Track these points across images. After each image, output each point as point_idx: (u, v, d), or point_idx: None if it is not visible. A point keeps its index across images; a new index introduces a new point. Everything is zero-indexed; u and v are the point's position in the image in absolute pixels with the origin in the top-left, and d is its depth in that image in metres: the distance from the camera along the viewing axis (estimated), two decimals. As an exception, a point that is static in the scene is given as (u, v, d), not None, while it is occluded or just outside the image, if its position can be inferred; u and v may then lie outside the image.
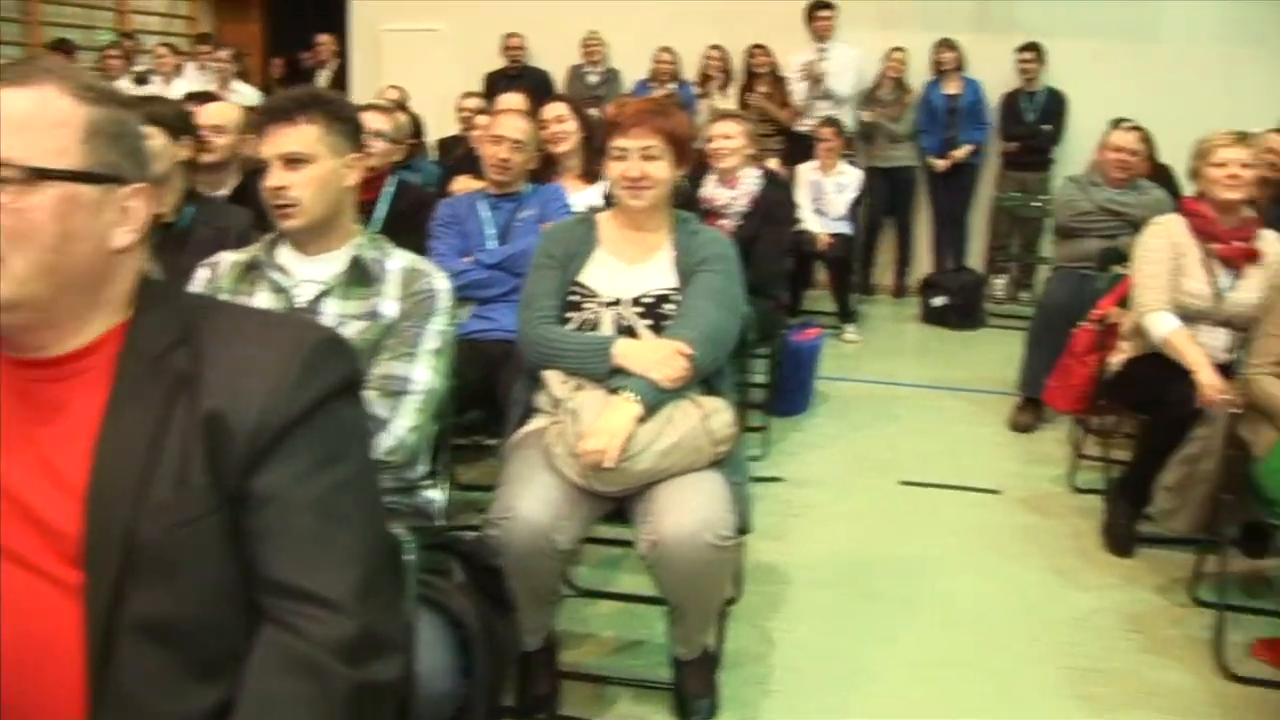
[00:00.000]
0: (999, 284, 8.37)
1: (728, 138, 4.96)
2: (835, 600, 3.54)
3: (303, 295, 2.42)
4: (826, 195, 7.35)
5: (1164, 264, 3.85)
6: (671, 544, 2.48)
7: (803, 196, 7.32)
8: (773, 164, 7.20)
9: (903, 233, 8.66)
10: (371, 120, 4.12)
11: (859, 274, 7.93)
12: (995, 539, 4.08)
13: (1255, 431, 3.24)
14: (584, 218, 2.98)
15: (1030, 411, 5.32)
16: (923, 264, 8.67)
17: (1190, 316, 3.82)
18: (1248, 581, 3.82)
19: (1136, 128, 6.59)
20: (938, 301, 7.76)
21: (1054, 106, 8.27)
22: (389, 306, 2.41)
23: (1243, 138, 4.03)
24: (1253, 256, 3.85)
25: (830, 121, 7.61)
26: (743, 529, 2.69)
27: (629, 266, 2.85)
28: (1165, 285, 3.83)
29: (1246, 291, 3.74)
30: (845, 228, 7.35)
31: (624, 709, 2.91)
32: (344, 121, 2.47)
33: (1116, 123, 5.74)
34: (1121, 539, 3.95)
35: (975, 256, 8.63)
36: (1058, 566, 3.85)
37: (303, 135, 2.39)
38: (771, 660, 3.17)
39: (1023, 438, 5.27)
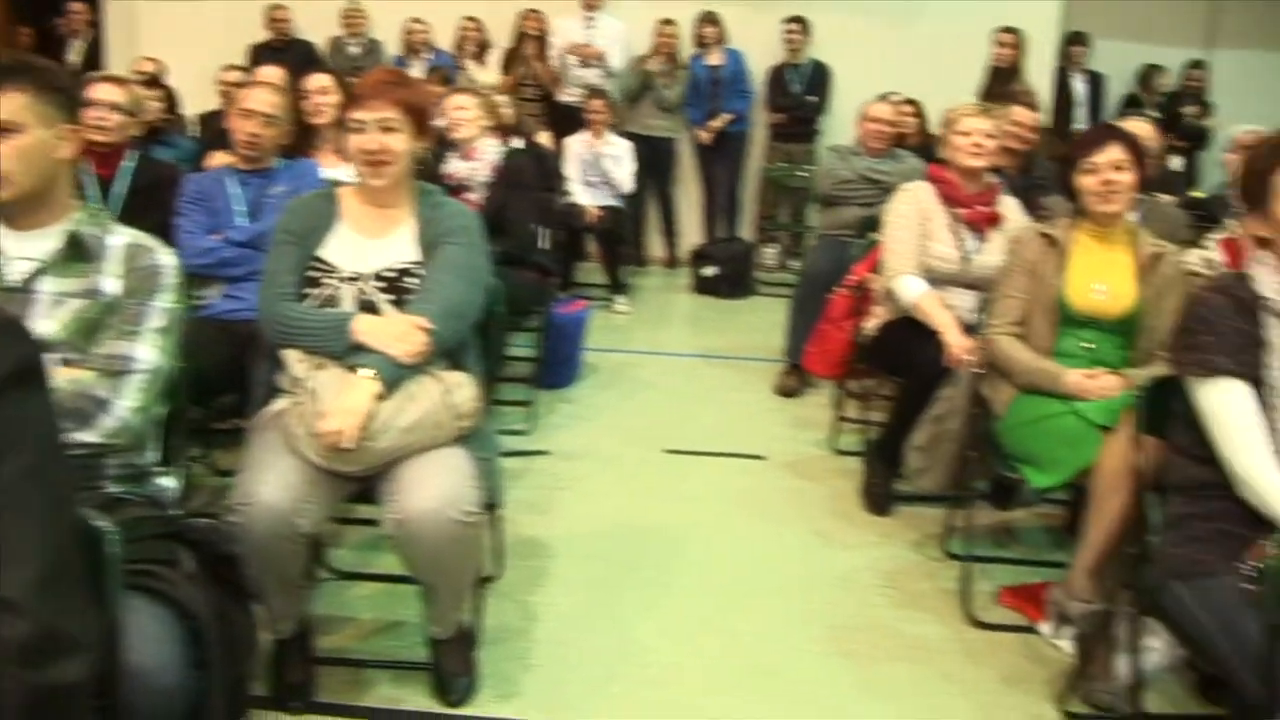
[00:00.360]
0: (769, 253, 8.53)
1: (462, 109, 4.89)
2: (600, 572, 3.53)
3: (14, 273, 2.24)
4: (602, 167, 7.35)
5: (912, 229, 3.97)
6: (416, 522, 2.44)
7: (571, 169, 7.30)
8: (543, 137, 7.14)
9: (665, 203, 8.70)
10: (104, 92, 3.90)
11: (632, 245, 7.97)
12: (759, 504, 4.14)
13: (995, 390, 3.36)
14: (325, 192, 2.89)
15: (796, 377, 5.43)
16: (695, 235, 8.74)
17: (939, 280, 3.94)
18: (997, 533, 4.00)
19: (910, 101, 6.82)
20: (708, 272, 7.85)
21: (819, 78, 8.45)
22: (110, 284, 2.27)
23: (987, 110, 4.18)
24: (995, 221, 4.00)
25: (597, 93, 7.60)
26: (491, 504, 2.64)
27: (370, 241, 2.76)
28: (913, 250, 3.94)
29: (990, 254, 3.88)
30: (614, 200, 7.36)
31: (383, 692, 2.83)
32: (56, 91, 2.29)
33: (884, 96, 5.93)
34: (879, 499, 4.07)
35: (746, 227, 8.77)
36: (819, 528, 3.94)
37: (9, 103, 2.21)
38: (534, 635, 3.13)
39: (789, 403, 5.38)
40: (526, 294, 4.84)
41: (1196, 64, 9.36)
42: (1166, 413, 2.56)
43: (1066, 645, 3.07)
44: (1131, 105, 8.96)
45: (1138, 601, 2.56)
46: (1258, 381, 2.37)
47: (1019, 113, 5.25)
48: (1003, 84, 7.67)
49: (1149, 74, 9.30)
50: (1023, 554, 3.80)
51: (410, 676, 2.87)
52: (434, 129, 5.00)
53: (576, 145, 7.42)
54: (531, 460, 4.43)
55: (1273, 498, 2.27)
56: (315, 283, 2.71)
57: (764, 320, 6.72)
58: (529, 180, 5.00)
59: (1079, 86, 8.98)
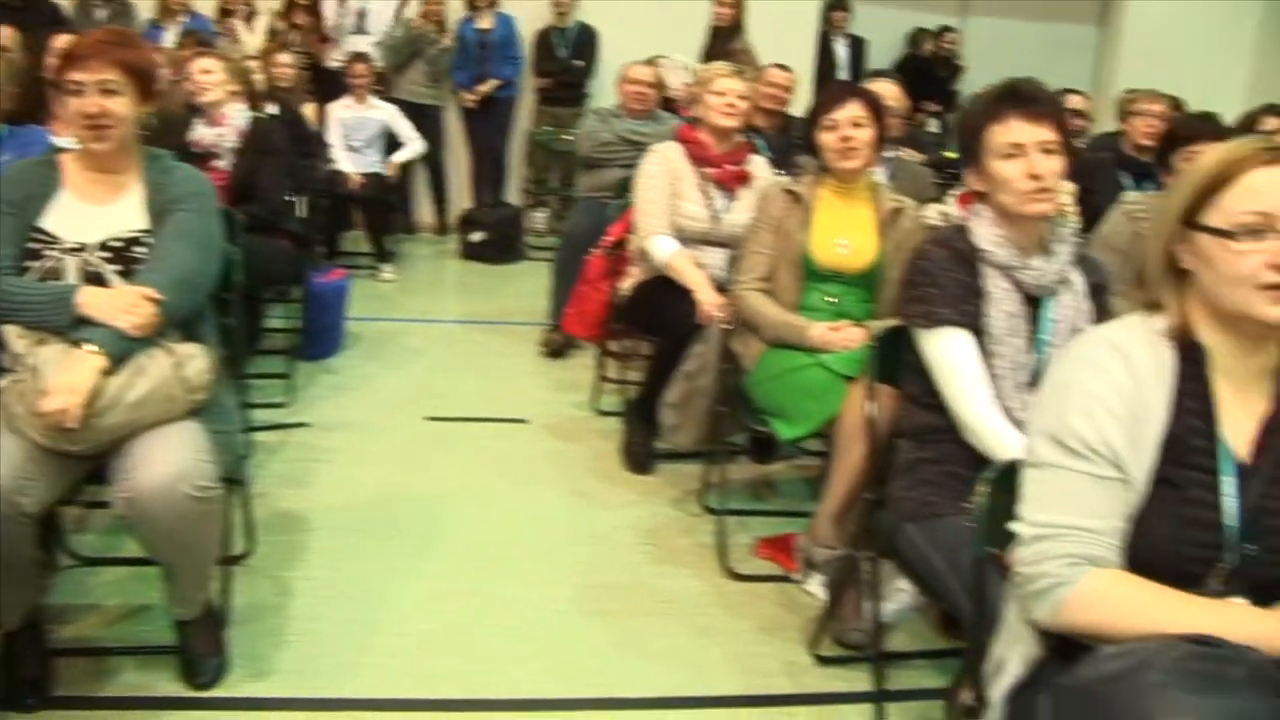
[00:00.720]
0: (538, 218, 8.50)
1: (207, 73, 4.68)
2: (357, 544, 3.43)
3: None
4: (365, 132, 7.19)
5: (662, 190, 3.99)
6: (147, 499, 2.32)
7: (334, 136, 7.10)
8: (309, 108, 6.91)
9: (434, 170, 8.54)
10: None
11: (401, 212, 7.80)
12: (520, 468, 4.11)
13: (745, 345, 3.41)
14: (45, 158, 2.71)
15: (559, 340, 5.41)
16: (465, 201, 8.62)
17: (690, 239, 3.98)
18: (756, 487, 4.08)
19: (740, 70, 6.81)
20: (476, 237, 7.76)
21: (585, 42, 8.41)
22: None
23: (740, 71, 4.23)
24: (745, 179, 4.06)
25: (361, 57, 7.40)
26: (232, 479, 2.53)
27: (95, 209, 2.61)
28: (664, 210, 3.96)
29: (740, 213, 3.93)
30: (378, 167, 7.20)
31: (128, 679, 2.68)
32: None
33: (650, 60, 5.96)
34: (639, 457, 4.09)
35: (514, 192, 8.69)
36: (579, 489, 3.93)
37: None
38: (289, 611, 3.03)
39: (554, 366, 5.37)
40: (280, 263, 4.67)
41: (948, 29, 9.73)
42: (899, 362, 2.64)
43: (818, 591, 3.14)
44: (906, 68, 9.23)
45: (876, 545, 2.65)
46: (978, 330, 2.47)
47: (773, 73, 5.35)
48: (723, 43, 7.73)
49: (918, 37, 9.64)
50: (780, 506, 3.89)
51: (156, 661, 2.73)
52: (179, 93, 4.81)
53: (339, 111, 7.21)
54: (290, 433, 4.28)
55: (992, 440, 2.37)
56: (36, 255, 2.54)
57: (532, 285, 6.68)
58: (279, 146, 4.81)
59: (840, 50, 9.22)
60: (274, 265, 4.54)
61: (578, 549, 3.49)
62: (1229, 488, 1.65)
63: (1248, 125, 4.82)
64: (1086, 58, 10.11)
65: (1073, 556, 1.60)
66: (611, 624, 3.07)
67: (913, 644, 3.00)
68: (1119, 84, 7.93)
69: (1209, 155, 1.71)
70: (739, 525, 3.65)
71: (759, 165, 4.17)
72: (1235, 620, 1.54)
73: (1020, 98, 2.51)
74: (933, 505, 2.38)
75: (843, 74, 9.00)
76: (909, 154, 4.83)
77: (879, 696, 2.67)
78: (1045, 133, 2.47)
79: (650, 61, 6.05)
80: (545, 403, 4.81)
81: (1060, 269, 2.52)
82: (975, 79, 9.07)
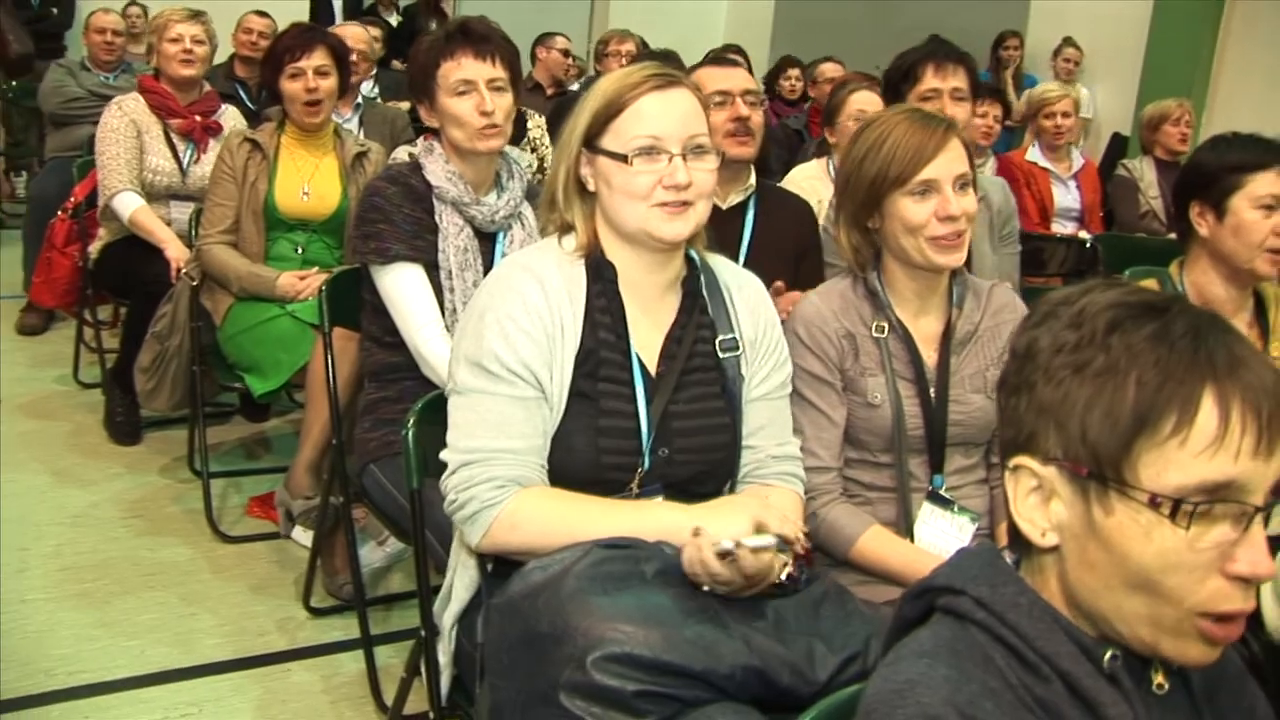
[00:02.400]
0: (20, 183, 7.79)
1: None
2: None
3: None
4: None
5: (125, 144, 3.77)
6: None
7: None
8: None
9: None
10: None
11: None
12: (-10, 453, 3.79)
13: (214, 300, 3.30)
14: None
15: (38, 312, 5.01)
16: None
17: (159, 193, 3.80)
18: (250, 446, 3.97)
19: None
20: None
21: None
22: None
23: (198, 15, 4.03)
24: (215, 130, 3.91)
25: None
26: None
27: None
28: (128, 165, 3.76)
29: (209, 165, 3.77)
30: None
31: None
32: None
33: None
34: (123, 428, 3.88)
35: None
36: (57, 468, 3.68)
37: None
38: None
39: (33, 341, 4.97)
40: None
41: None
42: (360, 302, 2.64)
43: (305, 542, 3.12)
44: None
45: (345, 489, 2.65)
46: (432, 264, 2.51)
47: (252, 20, 5.20)
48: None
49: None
50: (274, 463, 3.80)
51: None
52: None
53: None
54: None
55: (445, 373, 2.42)
56: None
57: (11, 255, 6.14)
58: None
59: (336, 1, 9.06)
60: None
61: (54, 531, 3.26)
62: (640, 397, 1.77)
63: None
64: (581, 3, 10.49)
65: (498, 480, 1.66)
66: (93, 605, 2.91)
67: (409, 585, 3.04)
68: (610, 26, 8.32)
69: (604, 82, 1.81)
70: (233, 487, 3.57)
71: (230, 116, 4.02)
72: (650, 519, 1.65)
73: (471, 35, 2.56)
74: (394, 444, 2.39)
75: (339, 20, 8.86)
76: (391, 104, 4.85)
77: (368, 642, 2.68)
78: (495, 70, 2.54)
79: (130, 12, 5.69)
80: (21, 381, 4.44)
81: (511, 205, 2.61)
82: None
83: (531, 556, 1.60)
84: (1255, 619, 1.47)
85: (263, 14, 5.39)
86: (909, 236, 1.94)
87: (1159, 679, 1.01)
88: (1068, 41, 7.72)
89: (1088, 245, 4.38)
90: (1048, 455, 0.98)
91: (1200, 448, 0.91)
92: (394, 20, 8.92)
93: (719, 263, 1.91)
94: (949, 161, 1.95)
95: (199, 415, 3.46)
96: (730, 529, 1.57)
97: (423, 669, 1.89)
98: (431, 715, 1.87)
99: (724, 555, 1.50)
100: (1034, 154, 5.08)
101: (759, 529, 1.59)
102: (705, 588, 1.52)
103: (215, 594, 3.01)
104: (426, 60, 2.59)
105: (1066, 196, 5.06)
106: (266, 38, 5.18)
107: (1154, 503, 0.92)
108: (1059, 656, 0.96)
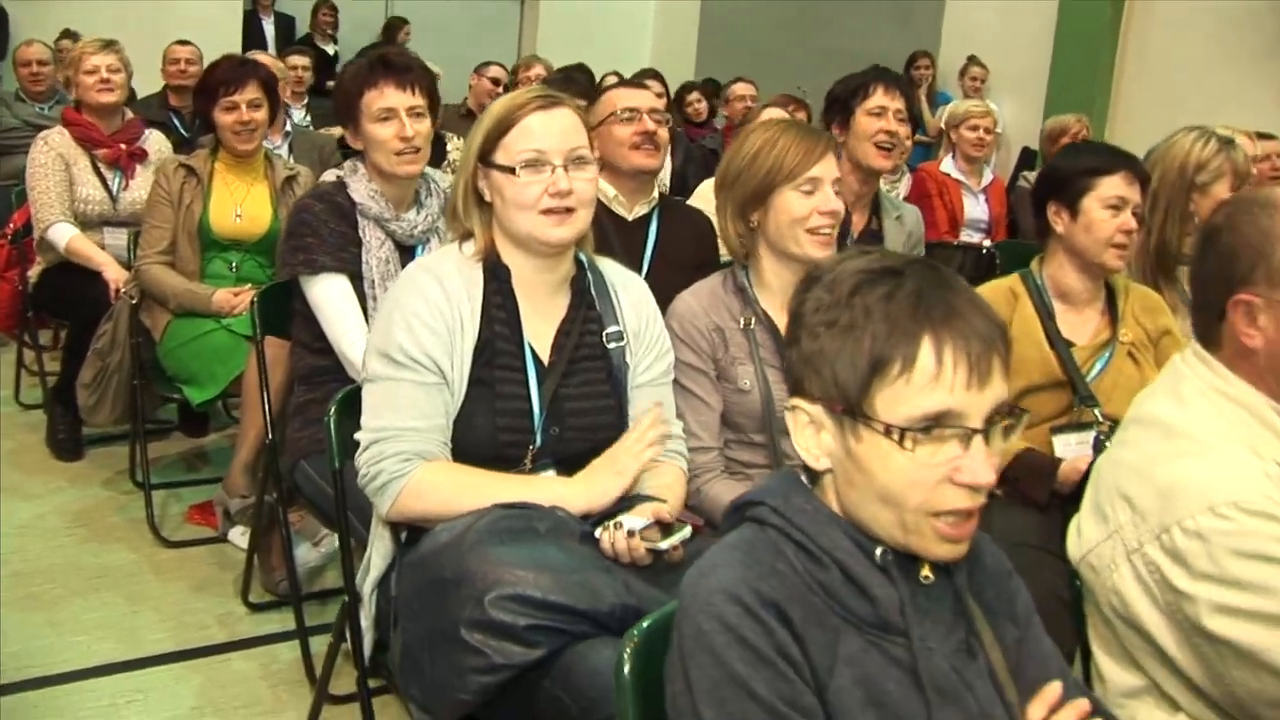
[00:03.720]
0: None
1: None
2: None
3: None
4: None
5: (54, 178, 3.92)
6: None
7: None
8: None
9: None
10: None
11: None
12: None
13: (153, 317, 3.47)
14: None
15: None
16: None
17: (91, 221, 3.97)
18: (189, 459, 4.15)
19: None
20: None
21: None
22: None
23: (110, 44, 4.16)
24: (140, 156, 4.08)
25: None
26: None
27: None
28: (59, 198, 3.92)
29: (138, 190, 3.96)
30: None
31: None
32: None
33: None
34: (65, 444, 4.04)
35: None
36: (2, 484, 3.81)
37: None
38: None
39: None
40: None
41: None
42: (291, 312, 2.84)
43: (240, 541, 3.30)
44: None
45: (279, 486, 2.85)
46: (357, 275, 2.73)
47: (176, 50, 5.37)
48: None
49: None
50: (212, 474, 3.97)
51: None
52: None
53: None
54: None
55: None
56: None
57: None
58: None
59: (268, 28, 9.26)
60: None
61: (3, 541, 3.41)
62: (533, 382, 1.99)
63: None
64: (511, 31, 10.74)
65: (404, 454, 1.87)
66: (40, 607, 3.06)
67: (342, 582, 3.21)
68: (538, 52, 8.55)
69: (495, 105, 2.04)
70: (173, 497, 3.74)
71: (155, 141, 4.19)
72: (542, 488, 1.88)
73: (392, 66, 2.79)
74: (323, 442, 2.57)
75: (271, 50, 9.05)
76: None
77: (303, 633, 2.87)
78: (414, 99, 2.76)
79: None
80: (-38, 403, 4.59)
81: (429, 220, 2.83)
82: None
83: (436, 523, 1.82)
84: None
85: (185, 42, 5.54)
86: (791, 228, 2.19)
87: (925, 571, 1.24)
88: (973, 60, 8.08)
89: (985, 252, 4.66)
90: (813, 396, 1.22)
91: (921, 385, 1.15)
92: (330, 49, 9.12)
93: (606, 264, 2.14)
94: (829, 166, 2.22)
95: (140, 429, 3.63)
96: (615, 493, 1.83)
97: (348, 634, 2.09)
98: (356, 674, 2.08)
99: (631, 535, 1.75)
100: (948, 166, 5.36)
101: (658, 518, 1.81)
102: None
103: (157, 594, 3.18)
104: (351, 89, 2.81)
105: (976, 208, 5.34)
106: (194, 64, 5.34)
107: (888, 432, 1.16)
108: (836, 549, 1.20)
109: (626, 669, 1.27)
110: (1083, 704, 1.24)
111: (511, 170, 1.94)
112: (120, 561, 3.35)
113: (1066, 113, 5.89)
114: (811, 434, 1.24)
